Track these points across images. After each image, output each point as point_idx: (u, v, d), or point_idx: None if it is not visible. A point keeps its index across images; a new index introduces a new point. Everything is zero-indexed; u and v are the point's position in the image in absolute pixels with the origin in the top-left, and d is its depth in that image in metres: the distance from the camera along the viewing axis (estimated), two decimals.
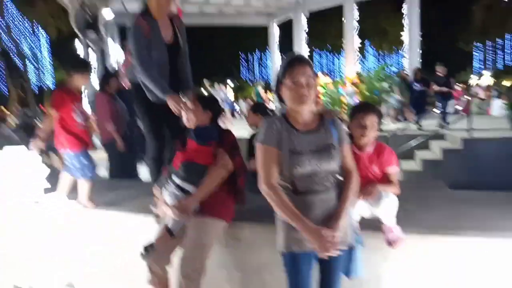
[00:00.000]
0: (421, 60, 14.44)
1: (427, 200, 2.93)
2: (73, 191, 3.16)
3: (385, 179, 2.32)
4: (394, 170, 2.33)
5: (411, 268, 2.28)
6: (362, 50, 27.38)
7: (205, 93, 13.08)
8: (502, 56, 30.20)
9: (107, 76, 4.83)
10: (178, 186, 2.34)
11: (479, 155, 5.80)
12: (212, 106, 2.53)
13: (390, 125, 9.54)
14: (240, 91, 24.86)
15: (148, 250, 2.28)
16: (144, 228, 2.65)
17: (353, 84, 10.78)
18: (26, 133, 7.35)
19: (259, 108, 3.60)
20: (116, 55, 16.97)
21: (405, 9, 14.38)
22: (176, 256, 2.33)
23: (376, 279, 2.30)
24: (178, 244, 2.35)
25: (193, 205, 2.30)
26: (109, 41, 16.65)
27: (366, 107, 2.38)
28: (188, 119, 2.46)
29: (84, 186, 3.13)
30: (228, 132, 2.55)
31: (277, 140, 1.80)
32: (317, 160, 1.78)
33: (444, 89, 8.84)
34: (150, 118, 2.90)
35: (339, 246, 1.76)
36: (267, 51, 23.77)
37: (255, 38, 27.41)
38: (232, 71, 30.19)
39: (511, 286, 2.12)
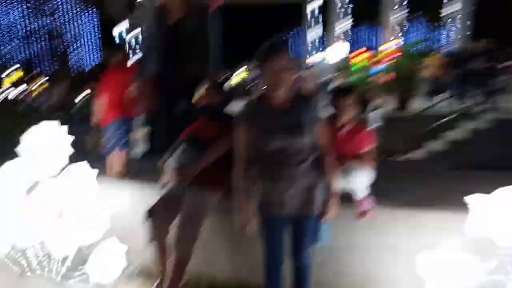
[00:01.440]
0: (470, 33, 13.58)
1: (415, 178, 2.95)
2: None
3: (361, 156, 2.41)
4: (369, 149, 2.44)
5: (381, 238, 2.38)
6: (410, 24, 25.87)
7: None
8: None
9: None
10: (181, 156, 2.60)
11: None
12: (223, 92, 2.84)
13: (422, 103, 9.10)
14: None
15: (150, 214, 2.57)
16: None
17: (390, 60, 10.48)
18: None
19: None
20: None
21: None
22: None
23: (347, 247, 2.45)
24: (177, 212, 2.55)
25: (192, 173, 2.53)
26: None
27: (344, 89, 2.57)
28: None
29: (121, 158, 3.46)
30: (232, 117, 2.76)
31: (250, 120, 2.00)
32: (288, 136, 1.93)
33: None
34: None
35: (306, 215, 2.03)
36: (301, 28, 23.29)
37: (292, 17, 26.81)
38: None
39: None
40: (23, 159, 3.15)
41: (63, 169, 3.15)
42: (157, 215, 2.57)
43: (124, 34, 15.73)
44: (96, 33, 28.00)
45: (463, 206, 1.94)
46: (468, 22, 13.51)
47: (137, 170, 3.55)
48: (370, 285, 2.40)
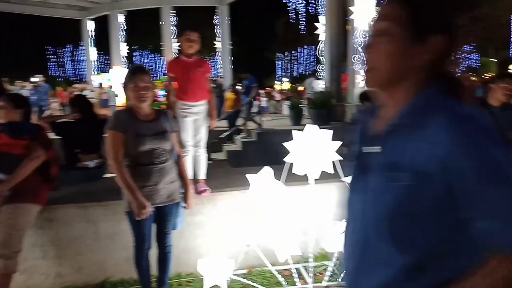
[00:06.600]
0: (232, 66, 16.38)
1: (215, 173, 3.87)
2: None
3: None
4: None
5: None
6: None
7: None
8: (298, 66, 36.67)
9: None
10: None
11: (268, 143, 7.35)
12: (23, 104, 2.77)
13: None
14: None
15: None
16: None
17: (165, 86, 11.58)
18: None
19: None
20: None
21: (216, 19, 16.06)
22: None
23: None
24: None
25: (4, 191, 2.50)
26: None
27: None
28: (1, 116, 2.66)
29: None
30: (41, 127, 2.81)
31: (123, 127, 2.33)
32: (155, 141, 2.38)
33: None
34: None
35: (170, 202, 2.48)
36: (80, 46, 22.13)
37: (65, 31, 24.99)
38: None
39: None
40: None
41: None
42: None
43: None
44: None
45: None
46: (230, 57, 16.27)
47: None
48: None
